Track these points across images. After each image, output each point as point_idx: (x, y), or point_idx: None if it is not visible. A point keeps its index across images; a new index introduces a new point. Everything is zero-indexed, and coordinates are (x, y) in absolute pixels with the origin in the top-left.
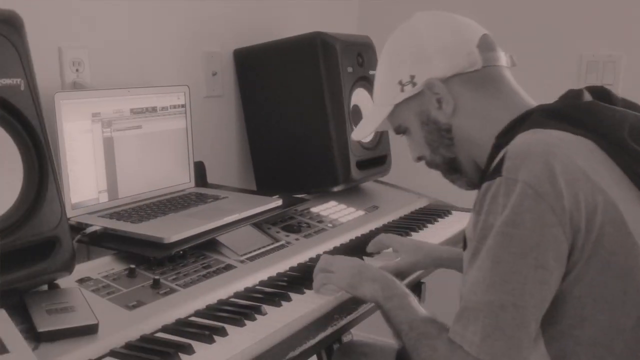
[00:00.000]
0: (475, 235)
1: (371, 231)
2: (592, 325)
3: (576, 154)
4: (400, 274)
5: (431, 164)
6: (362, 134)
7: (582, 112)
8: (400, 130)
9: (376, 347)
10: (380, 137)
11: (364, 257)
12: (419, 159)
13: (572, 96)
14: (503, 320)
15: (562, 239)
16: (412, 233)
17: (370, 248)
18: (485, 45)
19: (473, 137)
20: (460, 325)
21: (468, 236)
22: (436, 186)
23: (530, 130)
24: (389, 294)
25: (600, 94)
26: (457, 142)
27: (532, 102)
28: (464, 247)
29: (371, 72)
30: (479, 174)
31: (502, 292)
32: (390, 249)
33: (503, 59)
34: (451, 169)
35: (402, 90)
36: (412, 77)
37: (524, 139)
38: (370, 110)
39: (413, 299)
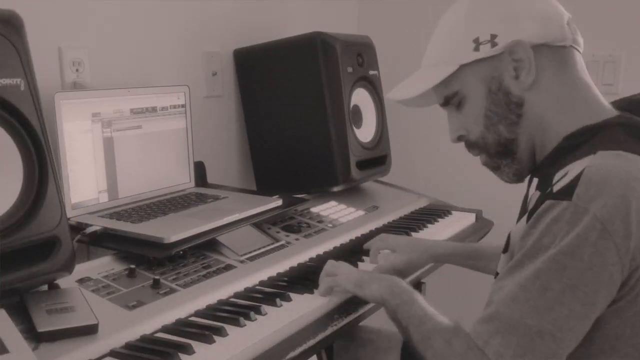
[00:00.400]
0: (523, 247)
1: (371, 231)
2: (620, 356)
3: None
4: (398, 273)
5: (476, 145)
6: (406, 94)
7: None
8: (452, 100)
9: (382, 335)
10: (381, 137)
11: (364, 258)
12: (459, 138)
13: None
14: (537, 347)
15: (618, 278)
16: (412, 233)
17: (372, 258)
18: (573, 27)
19: (543, 121)
20: (487, 330)
21: (513, 242)
22: (436, 186)
23: (612, 152)
24: (398, 291)
25: None
26: (524, 121)
27: (606, 103)
28: (505, 249)
29: (371, 72)
30: (530, 166)
31: (544, 319)
32: (387, 251)
33: (582, 46)
34: (504, 152)
35: (477, 50)
36: (494, 36)
37: (604, 163)
38: (421, 72)
39: (421, 297)
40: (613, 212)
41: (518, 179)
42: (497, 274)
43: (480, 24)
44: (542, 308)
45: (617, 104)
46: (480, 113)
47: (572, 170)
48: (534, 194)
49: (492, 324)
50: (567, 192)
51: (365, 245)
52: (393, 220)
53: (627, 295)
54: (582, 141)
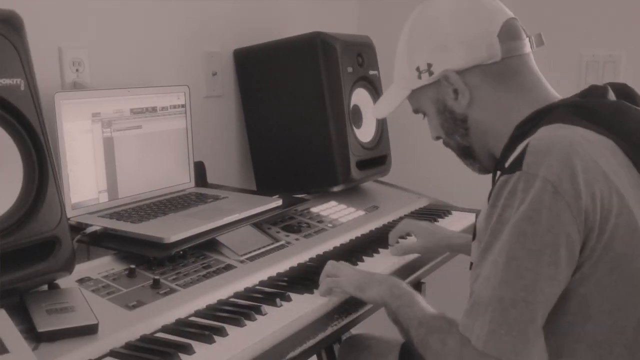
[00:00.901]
0: (488, 228)
1: (371, 231)
2: (594, 324)
3: (598, 154)
4: (405, 269)
5: (447, 145)
6: (381, 113)
7: (607, 112)
8: (418, 112)
9: (381, 341)
10: (381, 137)
11: (365, 258)
12: (437, 138)
13: (598, 94)
14: (512, 316)
15: (576, 238)
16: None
17: (391, 240)
18: (508, 34)
19: (489, 129)
20: (470, 319)
21: (479, 228)
22: (436, 186)
23: (554, 125)
24: (398, 293)
25: (624, 91)
26: (472, 132)
27: (555, 93)
28: (474, 237)
29: (371, 72)
30: (493, 161)
31: (515, 288)
32: (409, 239)
33: (526, 45)
34: (465, 154)
35: (420, 77)
36: (429, 65)
37: (547, 134)
38: (391, 88)
39: (421, 298)
40: (560, 173)
41: (485, 172)
42: (471, 264)
43: (418, 53)
44: (512, 278)
45: (573, 95)
46: (438, 126)
47: (519, 147)
48: None
49: (473, 310)
50: (517, 164)
51: (390, 238)
52: (393, 220)
53: (589, 259)
54: (532, 125)
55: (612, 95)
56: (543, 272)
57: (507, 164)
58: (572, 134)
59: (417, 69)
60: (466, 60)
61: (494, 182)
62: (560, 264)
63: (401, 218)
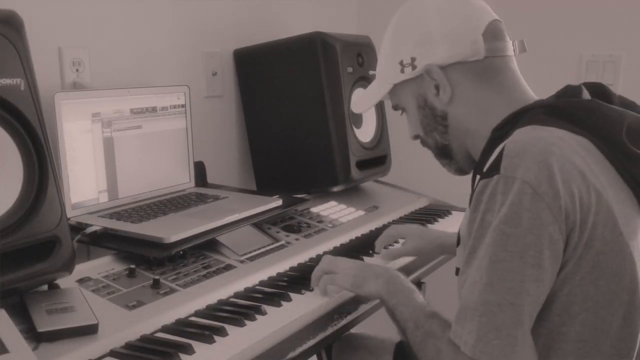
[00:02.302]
0: (471, 233)
1: (371, 231)
2: (579, 323)
3: (574, 154)
4: (406, 256)
5: (424, 144)
6: (361, 107)
7: (582, 111)
8: (398, 109)
9: (376, 340)
10: (381, 137)
11: (364, 258)
12: (416, 137)
13: (572, 94)
14: (499, 320)
15: (558, 238)
16: None
17: (378, 247)
18: (492, 34)
19: (468, 128)
20: (460, 325)
21: (463, 233)
22: (436, 186)
23: (528, 127)
24: (393, 289)
25: (598, 90)
26: (451, 130)
27: (533, 96)
28: (458, 243)
29: (371, 72)
30: (470, 163)
31: (500, 291)
32: (399, 243)
33: (510, 48)
34: (442, 154)
35: (402, 72)
36: (413, 59)
37: (522, 136)
38: (373, 83)
39: (418, 294)
40: (538, 175)
41: (460, 173)
42: (457, 269)
43: (402, 47)
44: (497, 281)
45: (557, 94)
46: (418, 123)
47: (496, 150)
48: None
49: (461, 316)
50: (495, 167)
51: (377, 245)
52: (393, 220)
53: (572, 258)
54: (508, 129)
55: (586, 95)
56: (527, 273)
57: (485, 168)
58: (547, 134)
59: (401, 62)
60: (449, 56)
61: (473, 186)
62: (544, 265)
63: (401, 218)
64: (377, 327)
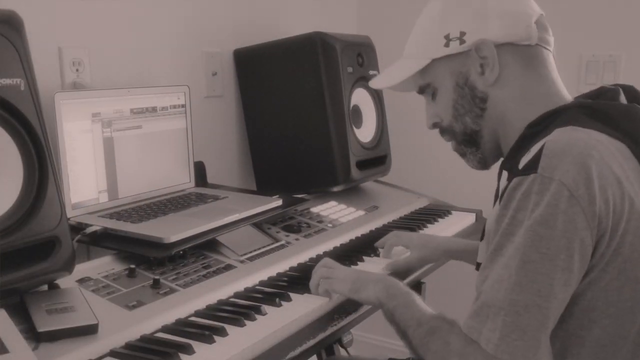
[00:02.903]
0: (499, 229)
1: (371, 231)
2: (599, 328)
3: (612, 159)
4: (412, 269)
5: (447, 131)
6: (384, 83)
7: (621, 115)
8: (427, 90)
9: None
10: (381, 137)
11: (364, 258)
12: (435, 125)
13: (610, 96)
14: (525, 321)
15: (588, 243)
16: None
17: (385, 254)
18: (542, 25)
19: (505, 116)
20: (478, 321)
21: (489, 229)
22: (436, 186)
23: (568, 127)
24: (393, 293)
25: (631, 94)
26: (487, 114)
27: (568, 94)
28: (482, 238)
29: (371, 72)
30: (495, 155)
31: (529, 292)
32: (401, 247)
33: (552, 45)
34: (469, 141)
35: (447, 45)
36: (463, 33)
37: (562, 136)
38: (399, 62)
39: (417, 297)
40: (576, 178)
41: (482, 166)
42: (478, 264)
43: (452, 21)
44: (525, 281)
45: (582, 96)
46: (449, 104)
47: (534, 148)
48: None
49: (482, 312)
50: (532, 166)
51: (378, 243)
52: (393, 220)
53: (599, 264)
54: (544, 126)
55: (623, 99)
56: (557, 277)
57: (520, 166)
58: (587, 137)
59: (447, 36)
60: (504, 34)
61: (499, 181)
62: (573, 269)
63: (401, 218)
64: (377, 330)
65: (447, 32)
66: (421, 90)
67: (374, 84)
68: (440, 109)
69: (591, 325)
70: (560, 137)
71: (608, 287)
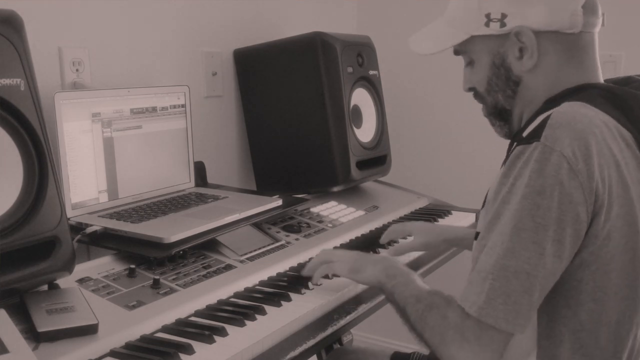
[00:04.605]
0: (498, 197)
1: (371, 231)
2: (584, 311)
3: (614, 142)
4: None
5: (481, 99)
6: (423, 49)
7: (636, 104)
8: (464, 56)
9: (367, 352)
10: (381, 137)
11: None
12: (470, 89)
13: (636, 86)
14: (512, 286)
15: (584, 219)
16: None
17: (384, 239)
18: (590, 7)
19: (534, 99)
20: (472, 290)
21: (489, 197)
22: (436, 186)
23: (578, 103)
24: (392, 273)
25: None
26: (519, 97)
27: (601, 79)
28: (483, 205)
29: (371, 72)
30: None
31: (519, 259)
32: (405, 239)
33: (599, 24)
34: (499, 115)
35: (487, 25)
36: (504, 15)
37: (569, 110)
38: (442, 26)
39: (417, 276)
40: (576, 152)
41: (508, 138)
42: (477, 234)
43: (494, 1)
44: (518, 248)
45: (609, 80)
46: (484, 79)
47: (539, 117)
48: None
49: (474, 280)
50: (536, 135)
51: (383, 237)
52: (393, 220)
53: (592, 245)
54: (559, 102)
55: None
56: (548, 247)
57: (525, 134)
58: (594, 115)
59: (488, 15)
60: (546, 22)
61: (509, 151)
62: (565, 242)
63: (401, 218)
64: (377, 330)
65: (488, 12)
66: (457, 53)
67: (413, 46)
68: (475, 79)
69: (577, 308)
70: (567, 110)
71: (598, 272)
